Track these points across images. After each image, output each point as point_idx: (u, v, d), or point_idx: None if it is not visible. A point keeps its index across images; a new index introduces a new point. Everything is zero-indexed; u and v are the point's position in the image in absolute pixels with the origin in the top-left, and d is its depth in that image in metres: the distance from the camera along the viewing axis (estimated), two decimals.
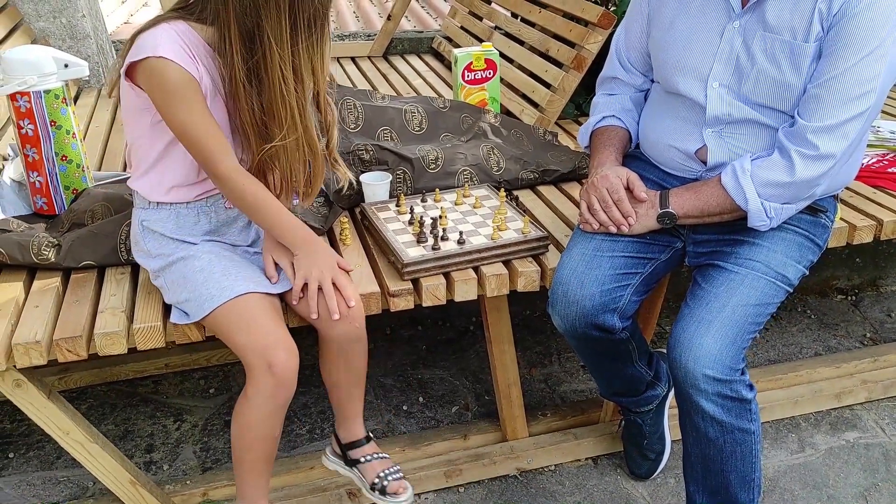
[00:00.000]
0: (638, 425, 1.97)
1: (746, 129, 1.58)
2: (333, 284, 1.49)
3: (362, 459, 1.69)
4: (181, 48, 1.39)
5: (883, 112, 2.65)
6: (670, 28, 1.65)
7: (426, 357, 2.55)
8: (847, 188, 2.10)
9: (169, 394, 2.40)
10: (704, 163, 1.63)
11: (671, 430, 2.02)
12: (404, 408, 2.32)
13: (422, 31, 3.72)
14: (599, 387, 1.95)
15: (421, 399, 2.36)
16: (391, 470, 1.68)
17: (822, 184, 1.52)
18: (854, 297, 2.88)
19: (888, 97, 2.87)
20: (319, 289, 1.49)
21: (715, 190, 1.56)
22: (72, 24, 2.92)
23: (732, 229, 1.60)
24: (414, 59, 3.47)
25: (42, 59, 1.82)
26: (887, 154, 2.29)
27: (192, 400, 2.37)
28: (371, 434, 1.73)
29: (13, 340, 1.48)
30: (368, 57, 3.51)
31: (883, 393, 2.31)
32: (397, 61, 3.46)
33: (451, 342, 2.63)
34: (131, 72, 1.41)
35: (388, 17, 3.49)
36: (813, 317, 2.76)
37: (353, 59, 3.47)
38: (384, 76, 3.25)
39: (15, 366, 1.53)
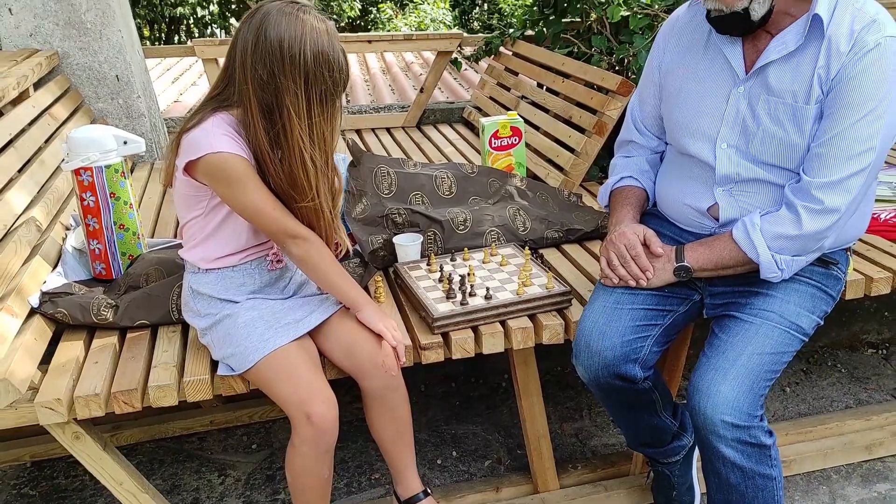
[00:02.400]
0: (666, 476, 2.01)
1: (755, 186, 1.67)
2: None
3: None
4: (230, 138, 1.54)
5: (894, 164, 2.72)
6: (679, 94, 1.76)
7: (459, 413, 2.63)
8: (864, 241, 2.17)
9: (213, 450, 2.50)
10: (717, 219, 1.72)
11: (700, 482, 2.06)
12: (438, 462, 2.38)
13: (453, 102, 3.91)
14: (626, 437, 2.00)
15: (454, 453, 2.43)
16: None
17: (829, 236, 1.59)
18: (885, 351, 2.89)
19: None
20: None
21: (728, 244, 1.65)
22: (128, 104, 3.15)
23: (747, 281, 1.68)
24: (445, 129, 3.64)
25: (104, 137, 2.00)
26: None
27: (235, 455, 2.47)
28: (429, 489, 1.81)
29: (75, 394, 1.61)
30: (402, 127, 3.69)
31: None
32: (430, 130, 3.63)
33: (483, 398, 2.70)
34: (189, 167, 1.56)
35: (421, 90, 3.69)
36: (843, 370, 2.78)
37: (388, 129, 3.65)
38: (417, 144, 3.42)
39: (75, 418, 1.65)
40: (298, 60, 1.49)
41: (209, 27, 9.63)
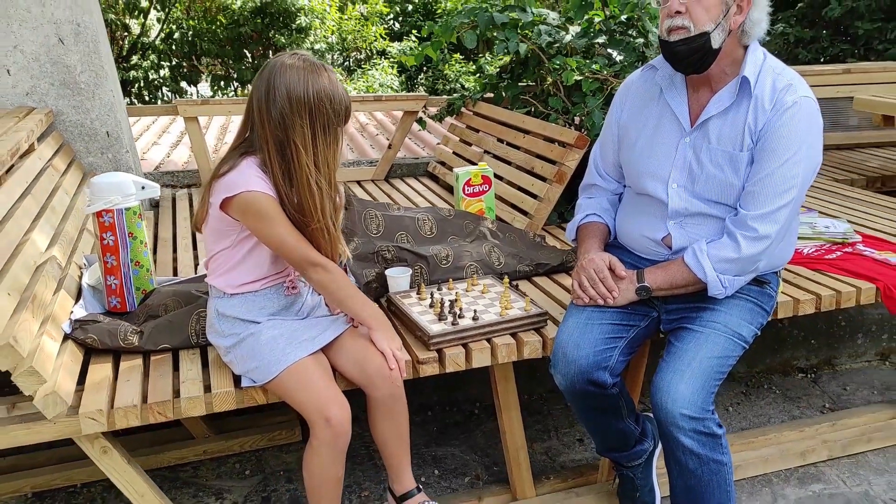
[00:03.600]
0: (630, 479, 2.27)
1: (701, 219, 1.99)
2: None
3: None
4: (261, 178, 1.79)
5: (821, 212, 3.12)
6: (635, 144, 2.09)
7: (438, 437, 2.85)
8: (791, 271, 2.52)
9: (208, 477, 2.65)
10: (670, 247, 2.03)
11: (660, 487, 2.32)
12: (422, 479, 2.59)
13: (417, 158, 4.22)
14: (596, 443, 2.26)
15: (436, 472, 2.64)
16: None
17: (763, 259, 1.92)
18: (813, 375, 3.24)
19: (822, 200, 3.36)
20: None
21: (680, 267, 1.95)
22: (116, 158, 3.35)
23: (696, 299, 1.98)
24: (412, 181, 3.94)
25: (125, 183, 2.22)
26: (823, 245, 2.73)
27: (229, 481, 2.63)
28: (420, 486, 2.03)
29: (115, 405, 1.79)
30: (372, 180, 3.97)
31: (842, 451, 2.63)
32: (398, 183, 3.92)
33: (458, 424, 2.93)
34: (225, 204, 1.80)
35: (389, 146, 3.99)
36: (777, 392, 3.11)
37: (359, 182, 3.93)
38: (388, 195, 3.69)
39: (103, 433, 1.83)
40: (302, 99, 1.76)
41: (160, 90, 9.83)
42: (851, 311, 3.30)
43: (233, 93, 10.17)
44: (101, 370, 1.96)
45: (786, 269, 2.53)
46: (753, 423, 2.88)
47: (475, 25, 3.40)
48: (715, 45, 1.85)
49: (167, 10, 9.35)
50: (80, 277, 2.33)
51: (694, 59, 1.88)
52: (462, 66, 10.47)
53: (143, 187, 2.27)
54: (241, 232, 1.86)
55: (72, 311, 2.10)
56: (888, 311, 2.40)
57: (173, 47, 9.67)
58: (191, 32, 9.68)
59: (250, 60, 10.11)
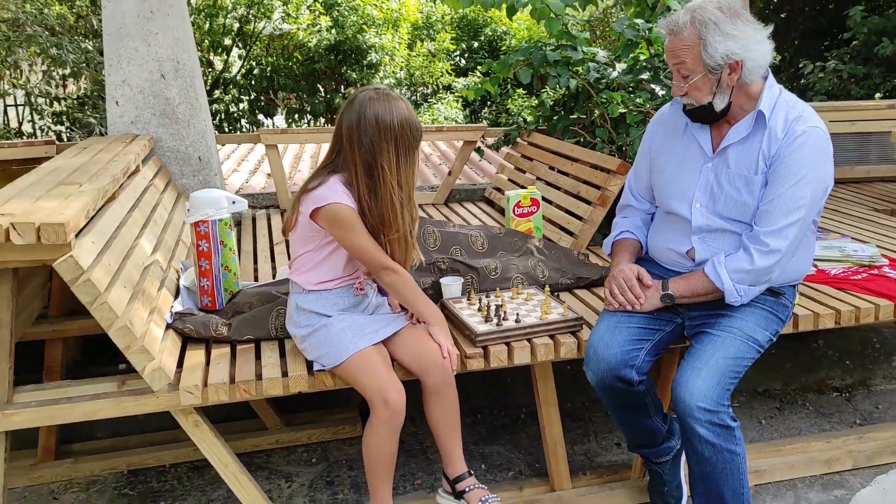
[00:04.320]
0: (659, 475, 2.48)
1: (720, 235, 2.23)
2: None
3: (467, 489, 2.25)
4: (345, 193, 2.12)
5: (853, 238, 3.28)
6: (664, 169, 2.35)
7: (486, 437, 3.10)
8: (815, 289, 2.71)
9: (279, 463, 2.96)
10: (693, 260, 2.27)
11: (687, 482, 2.52)
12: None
13: (475, 184, 4.52)
14: (626, 439, 2.49)
15: (483, 466, 2.89)
16: (490, 497, 2.24)
17: (775, 271, 2.14)
18: (847, 394, 3.38)
19: (857, 227, 3.52)
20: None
21: (700, 277, 2.19)
22: (206, 180, 3.75)
23: (716, 306, 2.21)
24: (469, 205, 4.24)
25: (219, 198, 2.58)
26: (850, 267, 2.91)
27: (298, 467, 2.94)
28: (471, 470, 2.29)
29: (208, 382, 2.13)
30: (433, 204, 4.29)
31: (867, 462, 2.78)
32: (456, 207, 4.23)
33: (505, 427, 3.18)
34: (314, 214, 2.13)
35: (449, 173, 4.31)
36: (811, 408, 3.27)
37: (420, 205, 4.25)
38: (446, 217, 4.00)
39: (196, 409, 2.17)
40: (389, 127, 2.09)
41: (239, 121, 10.43)
42: (886, 333, 3.44)
43: (306, 124, 10.71)
44: (195, 356, 2.30)
45: (811, 287, 2.72)
46: (784, 435, 3.05)
47: (530, 63, 3.71)
48: (718, 108, 2.13)
49: (248, 48, 9.97)
50: (178, 279, 2.70)
51: (704, 117, 2.18)
52: (524, 101, 10.79)
53: (233, 202, 2.63)
54: (324, 238, 2.18)
55: (172, 306, 2.45)
56: None
57: (252, 82, 10.28)
58: (269, 68, 10.28)
59: (323, 95, 10.65)
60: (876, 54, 5.73)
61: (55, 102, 7.67)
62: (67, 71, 5.15)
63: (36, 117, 7.95)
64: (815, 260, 2.94)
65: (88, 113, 5.78)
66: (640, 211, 2.50)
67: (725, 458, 2.08)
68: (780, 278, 2.22)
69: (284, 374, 2.21)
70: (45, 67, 4.99)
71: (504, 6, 3.65)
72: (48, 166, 2.73)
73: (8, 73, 4.99)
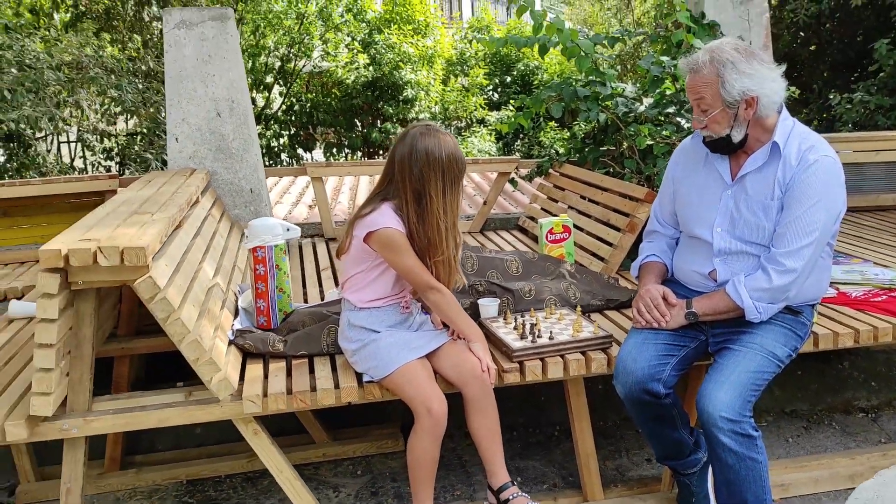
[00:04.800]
0: (686, 486, 2.62)
1: (740, 257, 2.39)
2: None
3: (511, 497, 2.41)
4: (395, 218, 2.33)
5: (875, 263, 3.40)
6: (687, 197, 2.52)
7: (521, 452, 3.26)
8: (836, 310, 2.84)
9: (326, 475, 3.15)
10: (715, 280, 2.43)
11: (713, 494, 2.65)
12: None
13: (509, 213, 4.72)
14: (655, 451, 2.63)
15: (519, 479, 3.04)
16: None
17: (792, 290, 2.29)
18: (873, 414, 3.48)
19: (880, 253, 3.63)
20: None
21: (722, 296, 2.35)
22: (257, 211, 4.01)
23: (737, 323, 2.37)
24: (504, 233, 4.44)
25: (275, 226, 2.81)
26: (871, 290, 3.04)
27: (344, 479, 3.12)
28: (513, 480, 2.46)
29: (269, 392, 2.33)
30: (469, 232, 4.49)
31: None
32: (491, 234, 4.42)
33: (540, 443, 3.34)
34: (367, 237, 2.34)
35: (484, 203, 4.51)
36: (837, 428, 3.37)
37: None
38: (482, 245, 4.20)
39: (255, 418, 2.37)
40: (438, 160, 2.30)
41: (279, 155, 10.79)
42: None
43: (344, 158, 11.03)
44: (255, 369, 2.51)
45: (832, 308, 2.86)
46: (810, 453, 3.16)
47: (561, 98, 3.91)
48: (736, 140, 2.31)
49: (289, 85, 10.35)
50: (236, 301, 2.92)
51: (723, 148, 2.36)
52: (556, 133, 11.01)
53: (287, 229, 2.86)
54: (375, 260, 2.39)
55: (233, 324, 2.67)
56: None
57: (293, 118, 10.65)
58: (309, 104, 10.65)
59: (360, 129, 10.98)
60: None
61: (105, 139, 8.07)
62: (119, 109, 5.48)
63: (87, 153, 8.36)
64: (836, 283, 3.09)
65: (143, 149, 6.11)
66: (666, 236, 2.67)
67: (748, 466, 2.22)
68: (798, 297, 2.37)
69: (336, 385, 2.40)
70: (103, 106, 5.32)
71: (536, 46, 3.87)
72: (120, 198, 2.99)
73: (69, 111, 5.32)
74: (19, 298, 3.42)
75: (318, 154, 11.42)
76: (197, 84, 3.84)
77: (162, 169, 7.05)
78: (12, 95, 4.87)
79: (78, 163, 8.64)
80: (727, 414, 2.19)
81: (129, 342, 3.16)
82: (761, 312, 2.31)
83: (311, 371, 2.52)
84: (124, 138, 8.04)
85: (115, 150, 8.15)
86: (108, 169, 8.11)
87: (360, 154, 10.90)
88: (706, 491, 2.62)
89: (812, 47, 8.16)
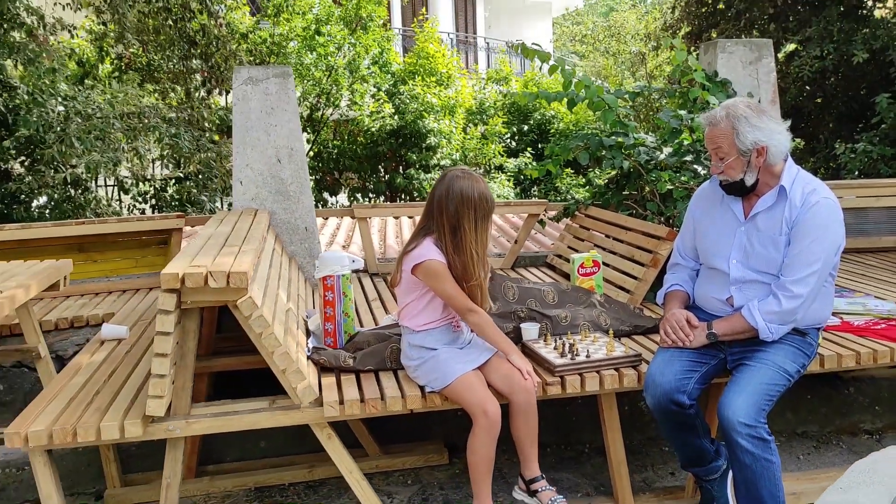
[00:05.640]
0: (708, 491, 2.94)
1: (754, 285, 2.76)
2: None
3: (539, 489, 2.76)
4: (436, 251, 2.71)
5: (876, 296, 3.75)
6: (706, 233, 2.90)
7: (555, 466, 3.58)
8: (840, 336, 3.19)
9: (379, 484, 3.48)
10: (732, 305, 2.79)
11: (733, 498, 2.96)
12: None
13: (539, 251, 5.10)
14: (679, 458, 2.96)
15: (554, 488, 3.36)
16: (558, 498, 2.74)
17: (799, 313, 2.65)
18: (878, 436, 3.79)
19: (880, 288, 3.98)
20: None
21: (738, 318, 2.71)
22: (310, 248, 4.40)
23: (752, 343, 2.72)
24: (534, 270, 4.81)
25: (342, 258, 3.20)
26: (872, 319, 3.39)
27: (395, 487, 3.45)
28: (543, 475, 2.80)
29: (343, 401, 2.69)
30: (501, 269, 4.87)
31: None
32: (522, 271, 4.80)
33: (572, 458, 3.66)
34: (414, 269, 2.73)
35: (515, 241, 4.90)
36: (844, 447, 3.69)
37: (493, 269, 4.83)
38: (522, 276, 4.57)
39: (329, 423, 2.72)
40: (471, 199, 2.69)
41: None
42: None
43: (368, 201, 11.48)
44: (330, 381, 2.87)
45: (836, 335, 3.21)
46: (819, 469, 3.47)
47: (587, 147, 4.32)
48: (748, 183, 2.69)
49: (317, 132, 10.86)
50: (305, 324, 3.30)
51: (737, 191, 2.74)
52: (572, 180, 11.45)
53: (353, 261, 3.25)
54: (423, 289, 2.77)
55: (307, 343, 3.05)
56: None
57: (320, 164, 11.14)
58: (335, 151, 11.15)
59: (383, 175, 11.46)
60: None
61: (141, 183, 8.55)
62: (176, 156, 5.95)
63: (125, 196, 8.81)
64: (841, 314, 3.44)
65: (199, 192, 6.57)
66: (687, 268, 3.04)
67: (763, 465, 2.55)
68: (805, 320, 2.73)
69: (402, 395, 2.76)
70: (163, 152, 5.78)
71: (563, 102, 4.29)
72: (205, 233, 3.39)
73: (126, 156, 5.78)
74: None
75: (342, 198, 11.88)
76: (260, 133, 4.28)
77: (213, 211, 7.51)
78: (81, 143, 5.33)
79: (114, 205, 9.12)
80: (744, 419, 2.53)
81: (208, 361, 3.53)
82: (773, 333, 2.66)
83: (378, 383, 2.88)
84: (160, 182, 8.53)
85: (150, 193, 8.63)
86: (143, 211, 8.58)
87: (382, 198, 11.36)
88: (726, 496, 2.94)
89: (818, 100, 8.61)
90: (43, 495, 2.62)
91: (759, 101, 4.51)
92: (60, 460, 3.43)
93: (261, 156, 4.29)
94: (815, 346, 2.81)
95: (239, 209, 4.28)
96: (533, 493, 2.78)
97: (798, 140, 8.09)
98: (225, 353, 3.65)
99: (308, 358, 2.94)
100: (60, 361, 3.90)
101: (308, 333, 3.21)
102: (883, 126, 6.64)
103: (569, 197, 10.97)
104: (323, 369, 2.97)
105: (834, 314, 3.42)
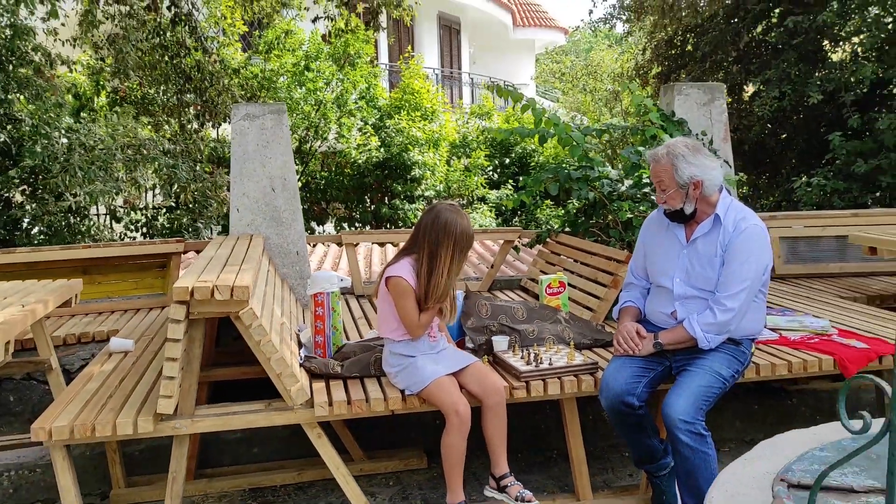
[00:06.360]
0: (658, 485, 3.29)
1: (694, 300, 3.14)
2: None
3: (508, 485, 3.10)
4: (409, 271, 3.08)
5: (814, 315, 4.14)
6: (654, 255, 3.29)
7: (525, 469, 3.92)
8: (776, 348, 3.57)
9: (364, 485, 3.78)
10: (675, 318, 3.17)
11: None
12: None
13: (513, 275, 5.48)
14: (632, 456, 3.31)
15: (521, 484, 3.70)
16: (525, 492, 3.07)
17: (732, 324, 3.03)
18: None
19: (818, 308, 4.38)
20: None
21: (681, 330, 3.09)
22: (300, 271, 4.76)
23: (692, 352, 3.09)
24: (509, 292, 5.19)
25: (332, 277, 3.56)
26: (807, 335, 3.77)
27: (378, 488, 3.77)
28: (511, 472, 3.14)
29: (333, 400, 3.03)
30: (479, 290, 5.24)
31: None
32: (498, 293, 5.17)
33: (539, 463, 4.00)
34: (386, 281, 3.09)
35: (492, 266, 5.27)
36: None
37: (471, 291, 5.19)
38: (494, 295, 4.93)
39: (319, 422, 3.06)
40: (453, 232, 3.07)
41: None
42: (850, 395, 4.24)
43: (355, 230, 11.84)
44: (319, 385, 3.21)
45: (774, 347, 3.59)
46: None
47: (557, 179, 4.72)
48: (688, 212, 3.09)
49: (305, 164, 11.26)
50: (298, 336, 3.64)
51: (679, 218, 3.14)
52: (552, 211, 11.89)
53: (341, 279, 3.61)
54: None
55: (300, 353, 3.39)
56: (843, 375, 3.41)
57: (308, 194, 11.51)
58: (323, 182, 11.54)
59: (369, 205, 11.85)
60: (853, 172, 6.73)
61: (133, 211, 8.88)
62: (175, 186, 6.32)
63: (117, 225, 9.13)
64: (780, 330, 3.83)
65: (194, 219, 6.92)
66: (639, 286, 3.43)
67: (701, 457, 2.91)
68: (738, 331, 3.11)
69: (385, 398, 3.11)
70: (161, 182, 6.15)
71: (536, 138, 4.71)
72: (206, 254, 3.74)
73: (125, 186, 6.13)
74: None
75: (329, 227, 12.24)
76: (256, 165, 4.65)
77: (209, 237, 7.84)
78: (84, 173, 5.68)
79: (107, 233, 9.43)
80: (684, 417, 2.89)
81: (207, 371, 3.86)
82: (710, 342, 3.04)
83: (363, 387, 3.22)
84: (152, 211, 8.87)
85: (142, 221, 8.96)
86: (134, 238, 8.90)
87: (368, 227, 11.72)
88: (674, 490, 3.29)
89: (782, 137, 9.11)
90: (61, 486, 2.93)
91: (712, 139, 4.95)
92: None
93: (256, 185, 4.65)
94: (748, 355, 3.19)
95: (236, 234, 4.63)
96: (503, 489, 3.12)
97: (741, 174, 8.55)
98: (222, 364, 3.98)
99: (300, 365, 3.29)
100: (67, 374, 4.21)
101: (300, 345, 3.56)
102: (837, 162, 7.12)
103: (548, 226, 11.40)
104: (313, 376, 3.31)
105: (773, 330, 3.81)
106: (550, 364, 3.25)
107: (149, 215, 8.92)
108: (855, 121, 7.14)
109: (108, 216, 9.24)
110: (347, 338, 4.00)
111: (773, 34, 8.50)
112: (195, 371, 3.05)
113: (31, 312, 3.30)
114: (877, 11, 7.56)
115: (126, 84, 8.83)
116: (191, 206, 6.43)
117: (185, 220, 6.77)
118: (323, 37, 11.10)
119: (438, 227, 3.07)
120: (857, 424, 1.46)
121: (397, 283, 3.06)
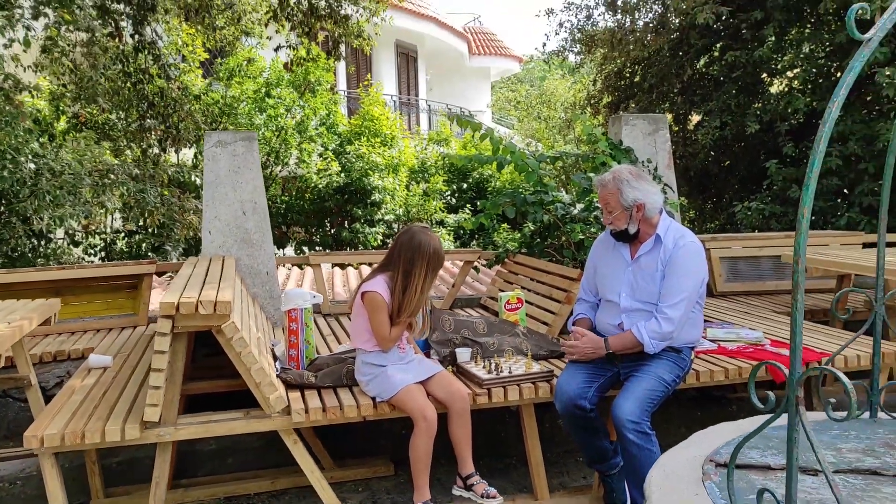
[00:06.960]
0: (609, 484, 3.57)
1: (639, 312, 3.45)
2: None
3: (474, 483, 3.35)
4: (385, 286, 3.34)
5: (749, 328, 4.50)
6: (602, 272, 3.60)
7: (487, 475, 4.14)
8: (715, 356, 3.90)
9: (334, 492, 4.00)
10: (622, 329, 3.48)
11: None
12: None
13: (473, 294, 5.76)
14: (585, 457, 3.59)
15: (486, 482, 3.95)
16: (490, 489, 3.33)
17: (674, 332, 3.34)
18: None
19: (755, 321, 4.75)
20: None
21: (629, 336, 3.39)
22: (270, 290, 4.97)
23: (639, 358, 3.39)
24: (469, 310, 5.46)
25: (304, 294, 3.80)
26: (742, 345, 4.12)
27: (349, 494, 3.99)
28: (477, 471, 3.39)
29: (309, 408, 3.26)
30: (440, 308, 5.50)
31: None
32: (459, 311, 5.44)
33: (500, 469, 4.26)
34: (362, 295, 3.35)
35: (453, 285, 5.55)
36: None
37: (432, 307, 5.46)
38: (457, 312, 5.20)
39: (296, 429, 3.29)
40: (426, 252, 3.34)
41: None
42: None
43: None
44: (295, 395, 3.44)
45: (713, 356, 3.92)
46: None
47: (514, 203, 5.03)
48: (632, 232, 3.42)
49: (266, 188, 11.45)
50: (272, 350, 3.86)
51: (625, 238, 3.46)
52: (508, 234, 12.25)
53: (313, 296, 3.85)
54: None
55: (276, 365, 3.62)
56: (775, 381, 3.75)
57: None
58: (283, 206, 11.73)
59: (329, 229, 12.06)
60: (789, 197, 7.20)
61: (90, 236, 8.97)
62: (140, 210, 6.48)
63: (75, 249, 9.18)
64: (718, 341, 4.17)
65: (161, 242, 7.07)
66: (589, 301, 3.73)
67: (646, 454, 3.20)
68: (679, 339, 3.43)
69: (357, 405, 3.34)
70: (129, 206, 6.29)
71: (494, 164, 5.02)
72: (184, 273, 3.94)
73: (93, 211, 6.27)
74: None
75: (289, 251, 12.41)
76: (228, 189, 4.87)
77: (178, 258, 7.97)
78: (53, 198, 5.82)
79: (66, 257, 9.48)
80: (631, 417, 3.19)
81: (185, 385, 4.04)
82: (654, 347, 3.35)
83: (337, 396, 3.45)
84: (111, 235, 8.97)
85: (101, 246, 9.05)
86: (91, 262, 8.98)
87: (328, 251, 11.92)
88: (623, 487, 3.58)
89: (726, 164, 9.62)
90: (49, 492, 3.10)
91: (657, 166, 5.32)
92: None
93: (228, 209, 4.87)
94: (688, 361, 3.51)
95: (208, 256, 4.83)
96: (469, 487, 3.37)
97: (682, 199, 9.00)
98: (197, 378, 4.17)
99: (277, 376, 3.51)
100: (43, 392, 4.34)
101: (275, 358, 3.77)
102: (774, 188, 7.59)
103: (505, 248, 11.76)
104: (289, 386, 3.53)
105: (712, 341, 4.15)
106: (510, 373, 3.53)
107: (107, 239, 9.01)
108: (790, 149, 7.63)
109: (64, 240, 9.30)
110: (318, 352, 4.23)
111: (714, 67, 9.03)
112: (178, 383, 3.25)
113: (19, 328, 3.46)
114: (810, 47, 8.11)
115: (86, 109, 8.95)
116: (156, 229, 6.58)
117: (145, 244, 6.90)
118: (285, 65, 11.33)
119: (413, 247, 3.34)
120: (763, 403, 1.76)
121: (373, 297, 3.31)
